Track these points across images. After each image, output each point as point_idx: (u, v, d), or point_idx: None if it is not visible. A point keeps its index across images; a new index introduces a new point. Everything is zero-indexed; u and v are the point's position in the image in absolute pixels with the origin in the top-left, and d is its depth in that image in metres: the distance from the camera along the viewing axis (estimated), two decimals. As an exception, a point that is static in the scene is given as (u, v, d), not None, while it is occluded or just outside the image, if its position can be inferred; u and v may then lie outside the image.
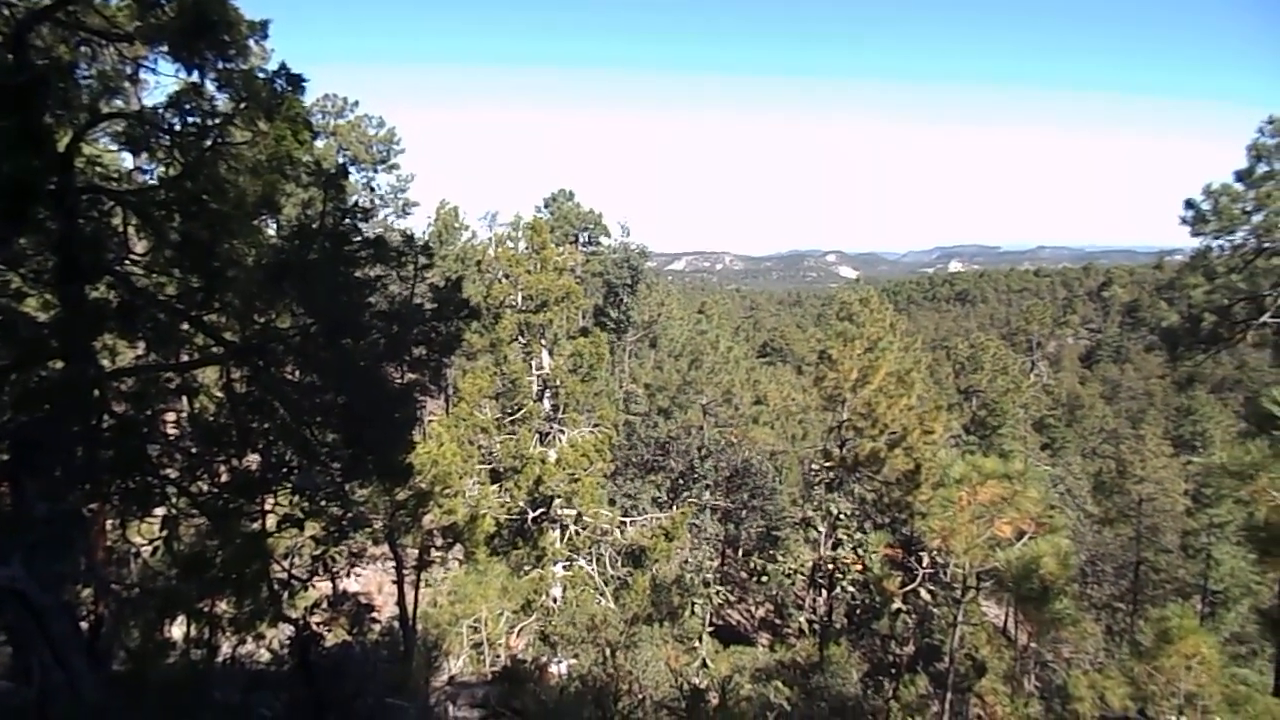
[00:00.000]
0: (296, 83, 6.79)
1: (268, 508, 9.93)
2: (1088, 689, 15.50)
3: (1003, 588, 13.78)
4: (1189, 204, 20.05)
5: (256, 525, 9.11)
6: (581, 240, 44.74)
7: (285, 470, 8.32)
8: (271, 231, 8.69)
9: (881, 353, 26.11)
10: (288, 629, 9.19)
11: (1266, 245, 19.51)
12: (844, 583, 24.48)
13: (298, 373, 7.58)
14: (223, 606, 8.55)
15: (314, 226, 7.02)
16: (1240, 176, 19.44)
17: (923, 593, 21.58)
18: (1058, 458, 46.76)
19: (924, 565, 21.11)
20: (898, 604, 22.24)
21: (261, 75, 6.75)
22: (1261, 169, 19.20)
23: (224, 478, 8.05)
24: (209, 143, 6.52)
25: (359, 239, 7.16)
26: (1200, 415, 50.87)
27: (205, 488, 7.94)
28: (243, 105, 6.50)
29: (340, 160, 35.48)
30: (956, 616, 15.84)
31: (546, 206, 43.67)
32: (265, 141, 6.34)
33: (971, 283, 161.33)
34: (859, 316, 27.06)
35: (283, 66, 6.74)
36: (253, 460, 8.44)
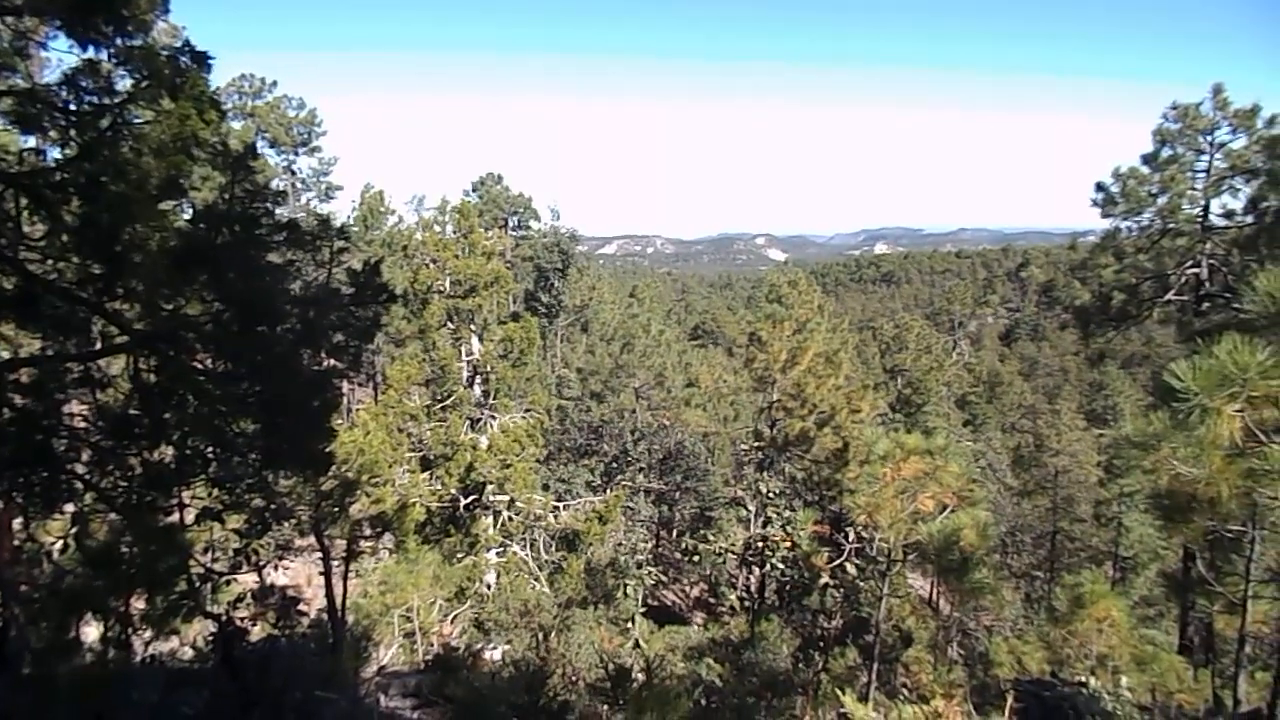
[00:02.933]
0: (202, 60, 6.52)
1: (185, 501, 9.61)
2: (1007, 654, 16.10)
3: (926, 560, 14.17)
4: (1099, 187, 20.85)
5: (173, 519, 8.82)
6: (511, 224, 44.25)
7: (201, 462, 8.05)
8: (186, 216, 8.37)
9: (810, 334, 26.61)
10: (210, 625, 8.93)
11: (1171, 226, 20.40)
12: (774, 560, 24.93)
13: (210, 361, 7.33)
14: (139, 605, 8.27)
15: (221, 209, 6.78)
16: (1146, 160, 20.27)
17: (850, 567, 22.09)
18: (979, 433, 48.28)
19: (851, 541, 21.60)
20: (826, 579, 22.76)
21: (165, 53, 6.46)
22: (1166, 153, 20.04)
23: (136, 471, 7.75)
24: (107, 122, 6.22)
25: (270, 222, 6.95)
26: (1111, 390, 53.16)
27: (116, 482, 7.64)
28: (144, 83, 6.21)
29: (256, 141, 34.34)
30: (882, 589, 16.25)
31: (475, 190, 43.00)
32: (169, 121, 6.07)
33: (896, 264, 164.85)
34: (788, 298, 27.49)
35: (186, 43, 6.45)
36: (167, 452, 8.14)
